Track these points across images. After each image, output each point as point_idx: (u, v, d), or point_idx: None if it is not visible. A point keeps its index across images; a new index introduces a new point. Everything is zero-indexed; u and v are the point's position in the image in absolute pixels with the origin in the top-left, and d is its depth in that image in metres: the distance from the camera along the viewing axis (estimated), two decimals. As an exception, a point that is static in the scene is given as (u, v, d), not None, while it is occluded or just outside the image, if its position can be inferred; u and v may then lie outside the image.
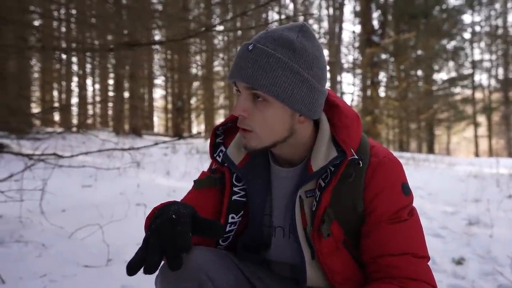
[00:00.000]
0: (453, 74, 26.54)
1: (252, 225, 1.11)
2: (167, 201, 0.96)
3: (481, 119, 28.15)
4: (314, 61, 0.96)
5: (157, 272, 0.99)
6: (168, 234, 0.80)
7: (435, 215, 4.63)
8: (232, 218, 1.08)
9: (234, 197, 1.08)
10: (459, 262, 2.93)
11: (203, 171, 1.19)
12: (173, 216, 0.84)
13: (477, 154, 26.23)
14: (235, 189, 1.08)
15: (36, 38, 5.44)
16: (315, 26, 22.91)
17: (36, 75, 13.77)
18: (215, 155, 1.13)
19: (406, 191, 1.02)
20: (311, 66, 0.96)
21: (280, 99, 0.93)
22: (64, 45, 5.84)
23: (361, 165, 0.99)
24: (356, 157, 1.00)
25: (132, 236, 2.98)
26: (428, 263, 1.00)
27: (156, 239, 0.81)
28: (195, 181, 1.14)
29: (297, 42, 0.95)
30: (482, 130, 28.39)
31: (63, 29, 11.73)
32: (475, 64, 27.24)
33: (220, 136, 1.15)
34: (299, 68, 0.94)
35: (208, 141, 1.17)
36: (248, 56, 0.94)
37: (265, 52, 0.93)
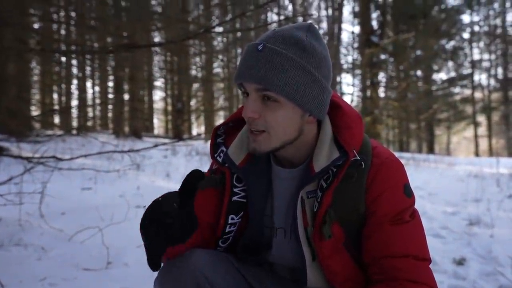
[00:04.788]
0: (453, 74, 26.54)
1: (252, 226, 1.10)
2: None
3: (481, 118, 28.12)
4: (323, 61, 0.96)
5: (156, 275, 0.99)
6: (157, 211, 0.89)
7: (435, 215, 4.62)
8: (232, 219, 1.07)
9: (234, 198, 1.07)
10: (460, 262, 2.93)
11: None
12: (160, 199, 0.90)
13: (477, 154, 26.20)
14: (236, 189, 1.07)
15: (35, 40, 5.44)
16: (314, 27, 22.90)
17: (36, 77, 13.77)
18: (215, 155, 1.11)
19: (408, 192, 1.01)
20: (320, 66, 0.95)
21: (293, 100, 0.92)
22: (63, 47, 5.84)
23: (363, 166, 0.98)
24: (359, 158, 0.99)
25: (132, 239, 2.97)
26: (429, 266, 1.00)
27: (148, 223, 0.89)
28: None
29: (307, 41, 0.94)
30: (482, 130, 28.38)
31: (63, 32, 11.74)
32: (474, 64, 27.23)
33: (221, 136, 1.14)
34: (310, 68, 0.93)
35: (209, 142, 1.16)
36: (258, 56, 0.92)
37: (276, 52, 0.91)
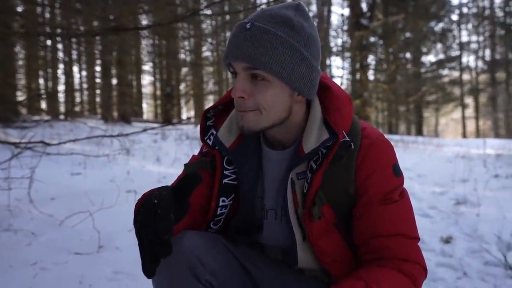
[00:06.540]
0: (441, 56, 26.68)
1: (243, 208, 1.11)
2: (155, 188, 0.95)
3: (469, 100, 28.39)
4: (311, 40, 0.96)
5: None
6: (151, 222, 0.81)
7: (424, 195, 4.69)
8: (223, 201, 1.07)
9: (225, 180, 1.07)
10: (447, 240, 2.99)
11: (193, 155, 1.17)
12: (155, 201, 0.84)
13: (464, 135, 26.49)
14: (226, 172, 1.07)
15: (19, 24, 5.32)
16: (304, 9, 22.72)
17: (21, 62, 13.53)
18: (205, 138, 1.10)
19: (397, 172, 1.02)
20: (309, 45, 0.95)
21: (281, 78, 0.92)
22: (48, 31, 5.72)
23: (352, 147, 0.99)
24: (348, 139, 0.98)
25: (123, 223, 2.98)
26: (418, 244, 1.01)
27: (143, 231, 0.81)
28: (185, 165, 1.12)
29: (295, 20, 0.94)
30: (470, 112, 28.66)
31: (47, 15, 11.50)
32: (462, 46, 27.38)
33: (210, 119, 1.13)
34: (299, 46, 0.93)
35: (198, 127, 1.15)
36: (246, 35, 0.91)
37: (264, 30, 0.91)
